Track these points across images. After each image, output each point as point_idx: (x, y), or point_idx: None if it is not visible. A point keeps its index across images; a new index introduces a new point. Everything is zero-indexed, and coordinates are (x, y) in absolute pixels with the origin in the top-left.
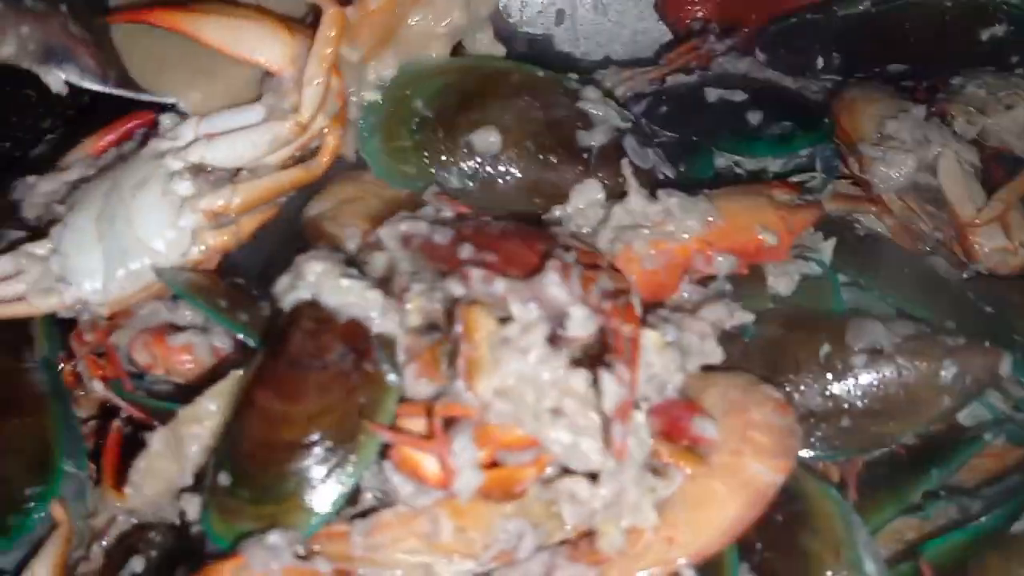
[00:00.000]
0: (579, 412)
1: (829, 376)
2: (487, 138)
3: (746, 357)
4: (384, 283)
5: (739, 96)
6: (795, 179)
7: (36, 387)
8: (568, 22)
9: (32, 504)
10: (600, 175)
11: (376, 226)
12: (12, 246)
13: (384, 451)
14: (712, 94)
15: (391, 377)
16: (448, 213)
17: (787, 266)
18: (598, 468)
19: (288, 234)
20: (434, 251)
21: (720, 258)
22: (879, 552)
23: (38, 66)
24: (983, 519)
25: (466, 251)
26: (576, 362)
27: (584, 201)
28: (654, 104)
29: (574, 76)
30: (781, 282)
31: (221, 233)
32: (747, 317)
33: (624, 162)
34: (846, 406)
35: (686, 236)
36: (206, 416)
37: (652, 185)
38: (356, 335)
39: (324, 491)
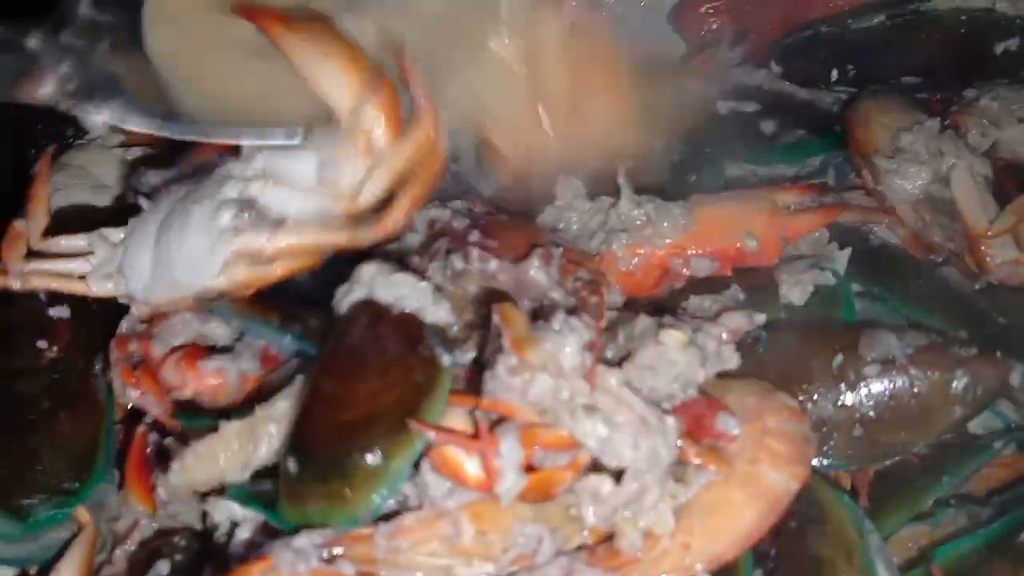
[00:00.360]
0: (612, 408)
1: (842, 386)
2: None
3: (760, 366)
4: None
5: (751, 107)
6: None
7: (98, 392)
8: None
9: (59, 500)
10: None
11: None
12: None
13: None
14: (724, 106)
15: (445, 359)
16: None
17: (800, 275)
18: (630, 464)
19: None
20: (450, 233)
21: (698, 261)
22: (891, 558)
23: (78, 107)
24: (993, 526)
25: (474, 236)
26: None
27: (569, 196)
28: None
29: None
30: (794, 291)
31: (251, 271)
32: (759, 318)
33: (620, 169)
34: (858, 416)
35: (662, 241)
36: (281, 416)
37: None
38: (410, 324)
39: (388, 464)
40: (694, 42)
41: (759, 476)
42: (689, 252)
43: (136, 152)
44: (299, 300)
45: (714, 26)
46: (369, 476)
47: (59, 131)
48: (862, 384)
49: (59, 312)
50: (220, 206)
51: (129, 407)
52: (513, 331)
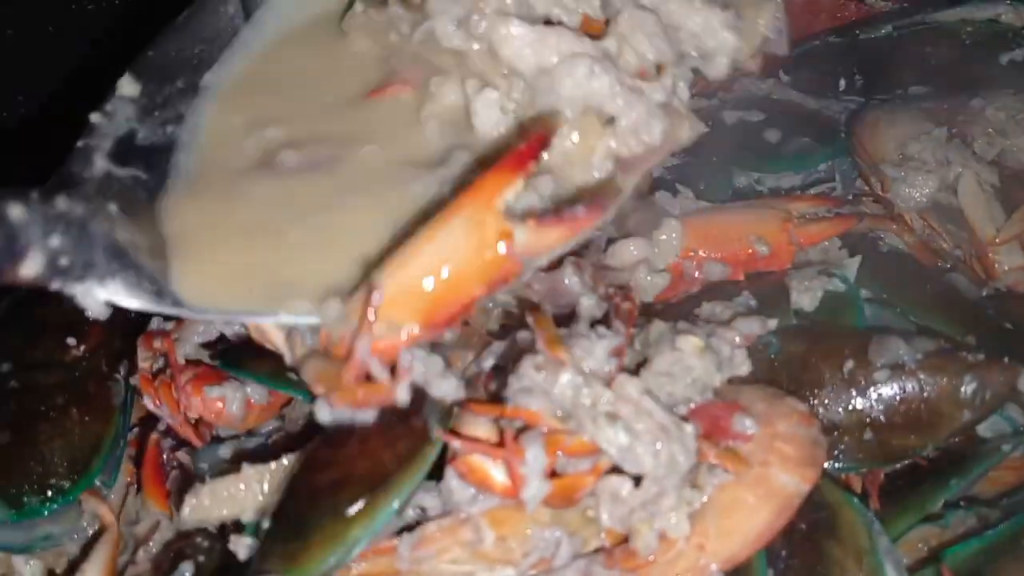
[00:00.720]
0: (634, 416)
1: (852, 391)
2: None
3: (772, 371)
4: None
5: (757, 116)
6: (819, 189)
7: (113, 397)
8: None
9: (52, 494)
10: None
11: None
12: None
13: (444, 457)
14: (731, 116)
15: (436, 433)
16: None
17: (811, 282)
18: (649, 471)
19: None
20: None
21: (711, 265)
22: (900, 559)
23: (72, 285)
24: (1001, 527)
25: None
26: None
27: None
28: None
29: None
30: (805, 298)
31: None
32: (772, 323)
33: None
34: (869, 420)
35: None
36: None
37: None
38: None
39: (345, 532)
40: None
41: (770, 478)
42: (702, 256)
43: None
44: None
45: None
46: (325, 541)
47: None
48: (872, 388)
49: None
50: None
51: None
52: (546, 332)
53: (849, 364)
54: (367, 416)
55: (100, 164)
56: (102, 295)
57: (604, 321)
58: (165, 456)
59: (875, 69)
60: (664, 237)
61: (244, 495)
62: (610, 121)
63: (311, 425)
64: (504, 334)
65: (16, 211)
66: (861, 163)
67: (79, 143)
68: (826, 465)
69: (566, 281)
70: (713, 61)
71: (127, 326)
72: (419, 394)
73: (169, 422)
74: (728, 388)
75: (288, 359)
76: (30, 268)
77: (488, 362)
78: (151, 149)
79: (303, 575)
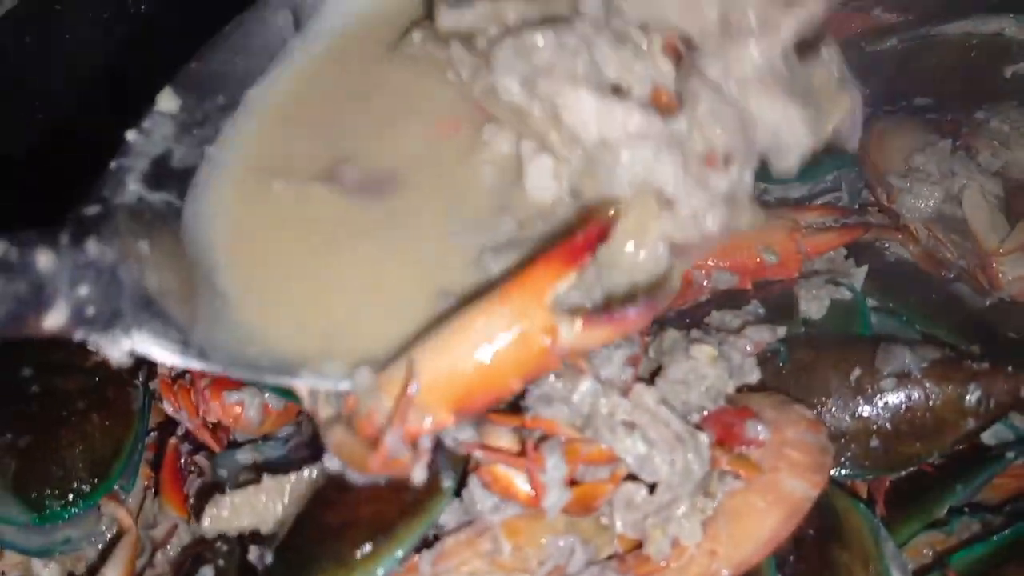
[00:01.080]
0: (650, 425)
1: (859, 398)
2: None
3: (780, 379)
4: None
5: None
6: (825, 199)
7: (132, 402)
8: None
9: (73, 498)
10: None
11: None
12: None
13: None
14: None
15: (446, 482)
16: None
17: (818, 291)
18: (665, 479)
19: None
20: None
21: (719, 274)
22: (906, 564)
23: (96, 336)
24: (1005, 532)
25: None
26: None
27: None
28: None
29: None
30: (812, 306)
31: None
32: (781, 331)
33: None
34: (875, 427)
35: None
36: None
37: None
38: None
39: None
40: None
41: (780, 484)
42: (710, 265)
43: None
44: None
45: None
46: None
47: None
48: (878, 396)
49: None
50: None
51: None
52: None
53: (856, 372)
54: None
55: (133, 188)
56: (127, 345)
57: None
58: (183, 461)
59: (881, 81)
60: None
61: (264, 507)
62: (668, 204)
63: None
64: None
65: (44, 259)
66: (867, 174)
67: (112, 163)
68: (833, 472)
69: None
70: (784, 155)
71: None
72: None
73: (188, 426)
74: (738, 396)
75: (307, 407)
76: (55, 320)
77: None
78: (186, 172)
79: None
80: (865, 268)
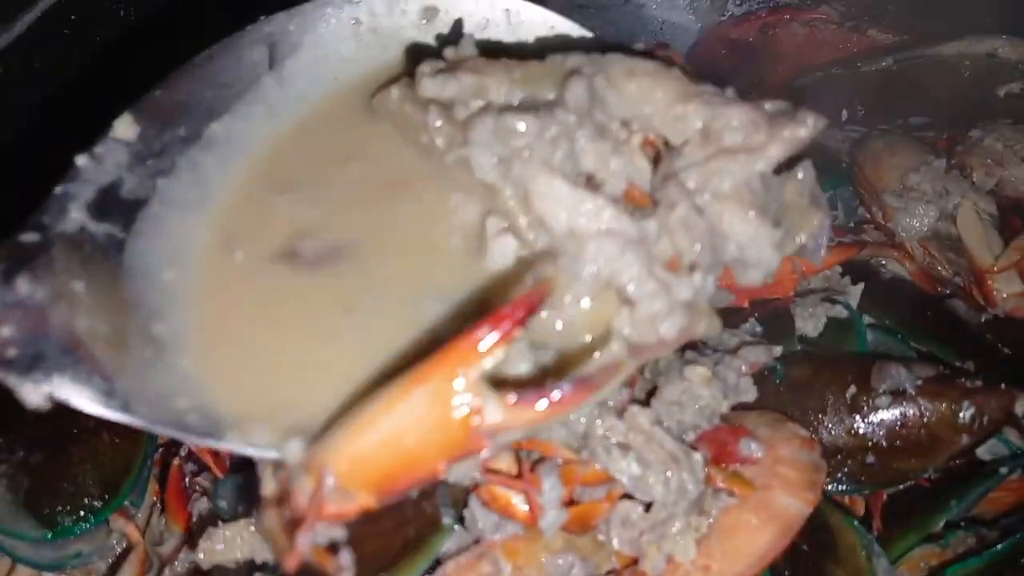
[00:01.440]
0: (645, 446)
1: (855, 415)
2: None
3: (777, 397)
4: None
5: None
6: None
7: None
8: None
9: (84, 514)
10: None
11: None
12: None
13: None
14: None
15: (446, 520)
16: None
17: (815, 308)
18: (660, 498)
19: None
20: None
21: (715, 293)
22: None
23: (13, 379)
24: (1000, 546)
25: None
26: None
27: None
28: None
29: None
30: (809, 324)
31: None
32: (777, 351)
33: None
34: (871, 443)
35: None
36: None
37: None
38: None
39: None
40: (708, 80)
41: (773, 501)
42: None
43: None
44: None
45: (728, 67)
46: None
47: None
48: (874, 413)
49: None
50: None
51: None
52: None
53: (852, 390)
54: None
55: (76, 216)
56: (45, 390)
57: None
58: (187, 480)
59: (876, 100)
60: None
61: (258, 539)
62: (627, 302)
63: None
64: None
65: None
66: (863, 192)
67: (57, 188)
68: (830, 487)
69: None
70: (748, 271)
71: None
72: (435, 481)
73: (191, 446)
74: (732, 414)
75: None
76: None
77: None
78: (134, 204)
79: None
80: (861, 286)
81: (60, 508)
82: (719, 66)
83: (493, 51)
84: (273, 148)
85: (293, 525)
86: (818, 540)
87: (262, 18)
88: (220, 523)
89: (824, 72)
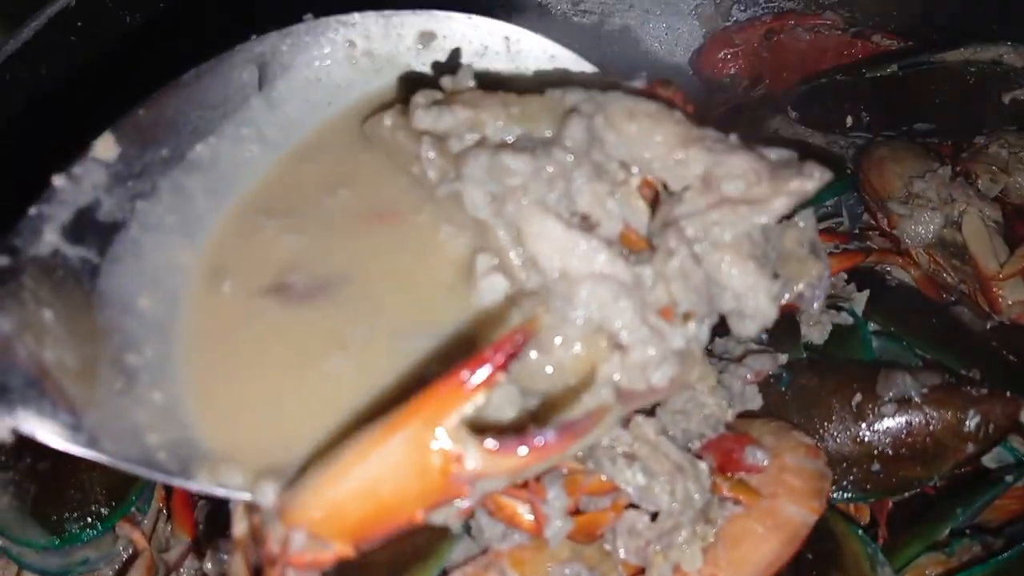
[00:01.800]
0: (651, 456)
1: (861, 423)
2: None
3: (782, 404)
4: None
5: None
6: (825, 225)
7: None
8: None
9: (92, 521)
10: None
11: None
12: None
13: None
14: None
15: (455, 527)
16: None
17: (820, 316)
18: (665, 508)
19: None
20: None
21: None
22: None
23: None
24: (1005, 554)
25: None
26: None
27: None
28: None
29: None
30: (814, 331)
31: None
32: (782, 358)
33: None
34: (876, 451)
35: None
36: None
37: None
38: None
39: None
40: (713, 87)
41: (778, 509)
42: None
43: None
44: None
45: (732, 71)
46: None
47: None
48: (879, 421)
49: None
50: None
51: None
52: None
53: (857, 397)
54: None
55: (49, 239)
56: (9, 424)
57: None
58: None
59: (881, 107)
60: None
61: None
62: (619, 348)
63: None
64: None
65: None
66: (867, 199)
67: (32, 209)
68: (836, 495)
69: None
70: (743, 322)
71: None
72: None
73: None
74: (738, 422)
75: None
76: None
77: None
78: (112, 227)
79: None
80: (866, 293)
81: (67, 515)
82: (723, 71)
83: (491, 82)
84: (262, 174)
85: (262, 571)
86: (822, 548)
87: (253, 37)
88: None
89: (828, 78)
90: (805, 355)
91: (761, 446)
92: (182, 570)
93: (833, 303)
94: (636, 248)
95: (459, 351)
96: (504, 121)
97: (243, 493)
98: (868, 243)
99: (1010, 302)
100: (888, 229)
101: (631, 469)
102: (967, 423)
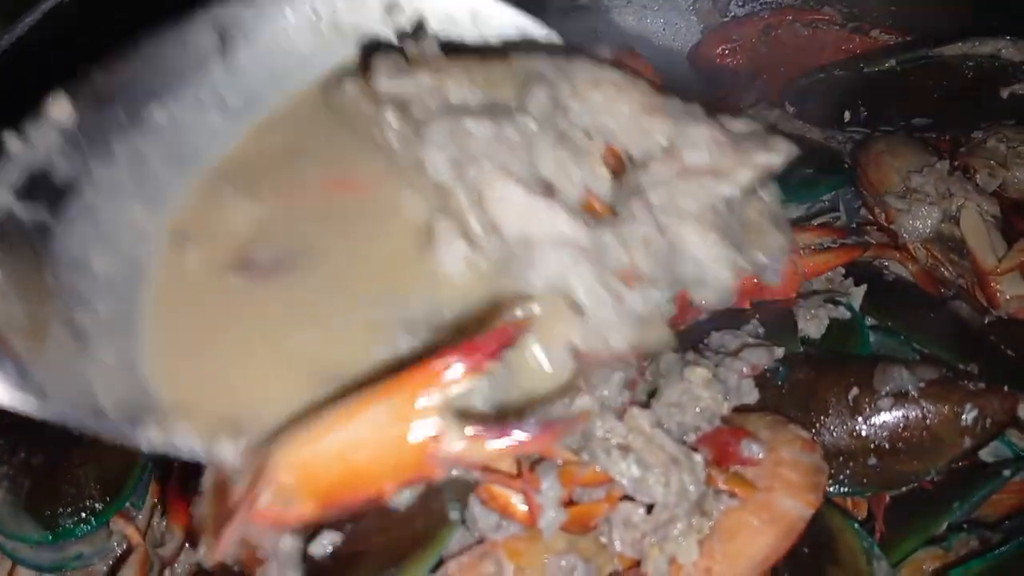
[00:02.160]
0: (645, 448)
1: (858, 417)
2: None
3: (779, 399)
4: None
5: None
6: (823, 219)
7: None
8: None
9: (86, 516)
10: None
11: None
12: None
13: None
14: None
15: (453, 514)
16: None
17: (817, 310)
18: (660, 500)
19: None
20: None
21: None
22: None
23: None
24: (1003, 548)
25: None
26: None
27: None
28: None
29: None
30: (811, 326)
31: None
32: (779, 353)
33: None
34: (873, 446)
35: None
36: None
37: None
38: None
39: None
40: (711, 82)
41: (774, 503)
42: None
43: None
44: None
45: (730, 66)
46: None
47: None
48: (876, 416)
49: None
50: None
51: None
52: None
53: (854, 392)
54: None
55: (2, 199)
56: None
57: None
58: (189, 481)
59: (879, 101)
60: None
61: None
62: (578, 311)
63: None
64: None
65: None
66: (865, 194)
67: None
68: (832, 489)
69: None
70: (703, 290)
71: None
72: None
73: None
74: (733, 416)
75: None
76: None
77: None
78: (66, 189)
79: None
80: (864, 287)
81: (61, 510)
82: (720, 67)
83: (456, 50)
84: (224, 142)
85: (224, 520)
86: (818, 542)
87: (215, 2)
88: None
89: (826, 73)
90: (802, 349)
91: (757, 439)
92: (176, 565)
93: (830, 297)
94: (598, 214)
95: (424, 322)
96: (468, 87)
97: (198, 451)
98: (866, 238)
99: (1008, 297)
100: (886, 224)
101: (625, 461)
102: (964, 417)
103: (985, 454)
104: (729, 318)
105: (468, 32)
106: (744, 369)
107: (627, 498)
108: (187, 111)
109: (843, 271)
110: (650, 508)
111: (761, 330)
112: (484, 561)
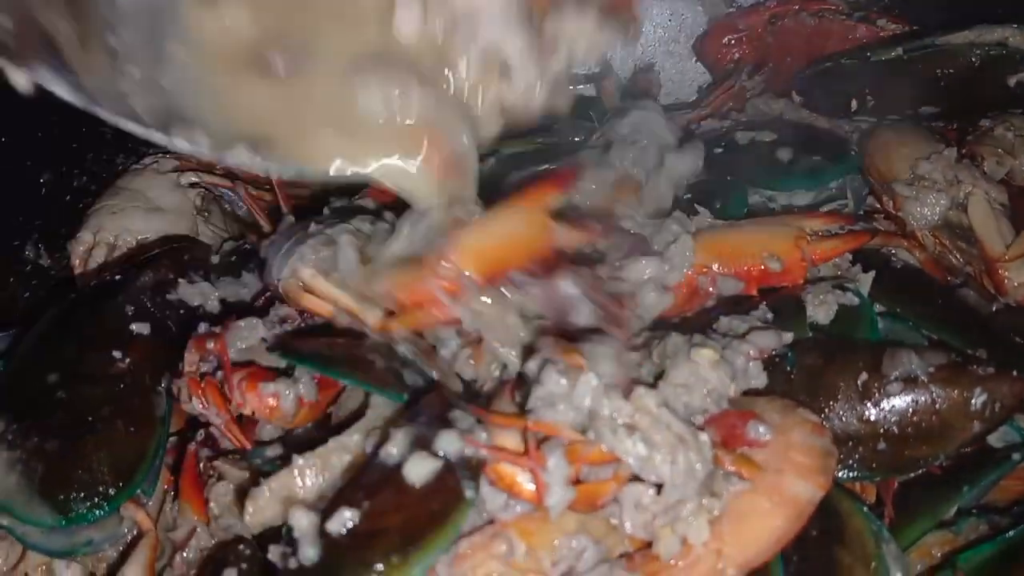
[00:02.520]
0: (652, 427)
1: (867, 402)
2: None
3: (788, 383)
4: None
5: (769, 136)
6: (830, 206)
7: (155, 409)
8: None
9: (98, 502)
10: None
11: None
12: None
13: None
14: (743, 137)
15: (469, 492)
16: None
17: (826, 296)
18: (667, 479)
19: None
20: None
21: (724, 280)
22: (908, 565)
23: (9, 63)
24: (1012, 532)
25: None
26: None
27: None
28: None
29: None
30: (820, 311)
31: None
32: (787, 336)
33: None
34: (882, 430)
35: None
36: (354, 447)
37: None
38: None
39: None
40: (717, 72)
41: (785, 486)
42: (715, 272)
43: (189, 177)
44: None
45: (737, 56)
46: None
47: (111, 158)
48: (885, 400)
49: (140, 328)
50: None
51: (188, 417)
52: (560, 344)
53: (863, 376)
54: None
55: None
56: (31, 76)
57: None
58: (202, 466)
59: (886, 90)
60: (675, 252)
61: (300, 488)
62: (506, 75)
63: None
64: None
65: None
66: (872, 181)
67: None
68: (841, 473)
69: (562, 287)
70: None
71: (170, 339)
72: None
73: (216, 423)
74: (743, 399)
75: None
76: None
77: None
78: None
79: None
80: (872, 274)
81: (74, 495)
82: (727, 56)
83: None
84: None
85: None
86: (827, 525)
87: None
88: (261, 480)
89: (833, 62)
90: (811, 335)
91: (763, 421)
92: (186, 550)
93: (839, 284)
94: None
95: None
96: None
97: (207, 151)
98: (873, 224)
99: (1016, 284)
100: (893, 211)
101: (631, 439)
102: (973, 402)
103: (994, 439)
104: (739, 304)
105: None
106: (752, 352)
107: (636, 479)
108: None
109: (851, 258)
110: (660, 490)
111: (770, 316)
112: (495, 540)
